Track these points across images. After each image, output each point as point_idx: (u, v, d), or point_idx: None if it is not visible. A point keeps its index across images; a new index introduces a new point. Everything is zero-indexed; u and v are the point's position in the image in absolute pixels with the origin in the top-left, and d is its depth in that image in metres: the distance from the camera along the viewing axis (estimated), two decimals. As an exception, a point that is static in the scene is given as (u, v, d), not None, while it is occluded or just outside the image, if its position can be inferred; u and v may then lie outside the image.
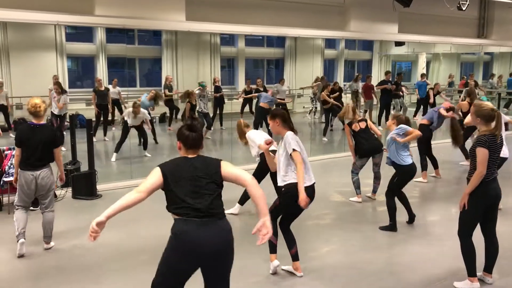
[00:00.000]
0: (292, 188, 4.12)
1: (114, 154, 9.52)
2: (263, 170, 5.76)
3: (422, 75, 15.16)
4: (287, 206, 4.25)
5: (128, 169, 8.63)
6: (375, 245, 5.28)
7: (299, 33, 11.94)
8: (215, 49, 15.26)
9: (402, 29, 13.13)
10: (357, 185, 6.85)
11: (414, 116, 14.02)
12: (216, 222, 2.84)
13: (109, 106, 11.54)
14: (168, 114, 13.00)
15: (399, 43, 15.80)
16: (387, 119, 13.41)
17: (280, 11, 11.36)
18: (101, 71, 13.89)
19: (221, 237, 2.83)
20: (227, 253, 2.88)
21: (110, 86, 12.68)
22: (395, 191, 5.70)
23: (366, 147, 6.66)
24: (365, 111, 14.17)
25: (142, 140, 10.01)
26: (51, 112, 10.14)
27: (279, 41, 16.84)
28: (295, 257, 4.38)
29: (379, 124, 13.39)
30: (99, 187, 7.28)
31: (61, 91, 9.96)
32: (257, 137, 5.84)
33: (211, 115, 12.33)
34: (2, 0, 7.67)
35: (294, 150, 4.11)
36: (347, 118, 6.83)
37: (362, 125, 6.72)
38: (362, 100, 14.12)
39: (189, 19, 9.51)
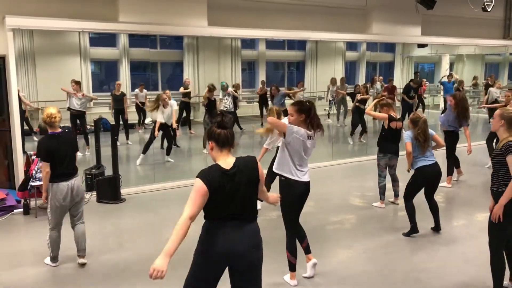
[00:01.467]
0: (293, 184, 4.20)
1: (141, 156, 9.52)
2: None
3: (449, 76, 14.99)
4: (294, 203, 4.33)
5: (151, 173, 8.73)
6: (398, 251, 5.23)
7: (320, 37, 11.87)
8: (236, 52, 15.34)
9: (425, 31, 12.95)
10: (382, 191, 6.79)
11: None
12: (249, 225, 2.91)
13: (126, 111, 11.57)
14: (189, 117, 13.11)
15: (421, 45, 15.59)
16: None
17: (301, 15, 11.33)
18: (124, 75, 14.08)
19: (253, 239, 2.90)
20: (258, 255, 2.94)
21: (137, 91, 12.87)
22: (409, 194, 5.64)
23: (392, 146, 6.65)
24: None
25: (166, 143, 9.99)
26: (71, 114, 10.33)
27: (300, 43, 16.81)
28: (307, 250, 4.47)
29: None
30: (123, 191, 7.38)
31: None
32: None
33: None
34: (29, 9, 7.84)
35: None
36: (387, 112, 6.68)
37: (399, 125, 6.67)
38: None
39: (211, 24, 9.55)
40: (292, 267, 4.37)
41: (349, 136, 12.07)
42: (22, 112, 10.83)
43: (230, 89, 11.86)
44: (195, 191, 2.75)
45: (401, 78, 18.85)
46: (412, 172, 5.68)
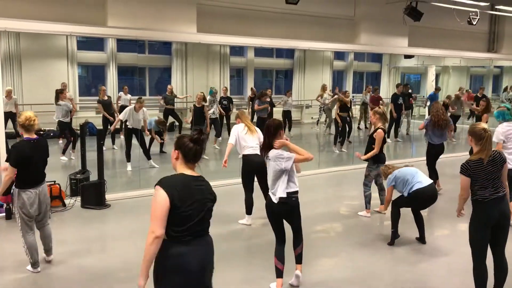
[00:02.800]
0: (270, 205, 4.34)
1: (128, 164, 9.48)
2: None
3: (437, 88, 15.18)
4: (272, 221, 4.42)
5: (136, 178, 8.67)
6: (383, 261, 5.25)
7: (308, 46, 11.97)
8: (225, 59, 15.38)
9: (412, 42, 13.14)
10: (368, 200, 6.81)
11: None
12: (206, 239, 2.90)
13: (115, 114, 11.34)
14: (177, 123, 13.03)
15: (408, 56, 15.78)
16: (395, 132, 13.56)
17: (289, 24, 11.42)
18: (112, 79, 14.02)
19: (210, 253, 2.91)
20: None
21: (121, 93, 12.76)
22: (399, 204, 5.68)
23: (384, 156, 6.73)
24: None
25: (143, 149, 9.83)
26: (59, 121, 10.16)
27: (288, 52, 16.92)
28: (297, 259, 4.49)
29: (388, 137, 13.40)
30: (108, 196, 7.31)
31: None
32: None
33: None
34: (16, 12, 7.78)
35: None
36: (380, 123, 6.65)
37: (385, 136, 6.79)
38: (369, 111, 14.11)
39: (200, 30, 9.58)
40: (279, 273, 4.34)
41: (333, 145, 12.13)
42: (12, 115, 10.75)
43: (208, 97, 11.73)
44: (157, 203, 2.73)
45: (387, 88, 19.03)
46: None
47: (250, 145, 6.18)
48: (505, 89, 19.71)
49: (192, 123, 10.55)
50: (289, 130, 13.76)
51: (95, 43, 14.38)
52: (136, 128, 9.36)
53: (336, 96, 12.56)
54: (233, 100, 13.72)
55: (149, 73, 15.61)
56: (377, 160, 6.65)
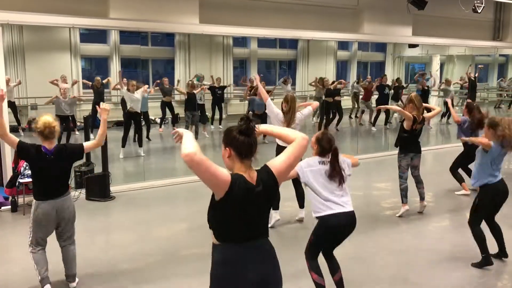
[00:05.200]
0: (326, 220, 3.76)
1: (122, 149, 9.74)
2: None
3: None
4: (323, 238, 3.89)
5: (141, 170, 8.69)
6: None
7: (312, 36, 11.90)
8: (228, 50, 15.32)
9: (416, 31, 13.03)
10: (405, 193, 6.24)
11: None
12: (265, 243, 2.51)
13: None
14: (179, 115, 13.06)
15: (412, 45, 15.68)
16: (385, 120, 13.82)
17: (293, 14, 11.34)
18: (115, 72, 14.00)
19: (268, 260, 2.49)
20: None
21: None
22: (476, 219, 4.78)
23: (414, 145, 6.25)
24: (362, 112, 14.32)
25: (136, 135, 10.15)
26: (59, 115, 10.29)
27: (291, 42, 16.82)
28: (339, 285, 3.95)
29: (374, 125, 14.11)
30: (112, 188, 7.34)
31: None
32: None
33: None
34: (18, 4, 7.76)
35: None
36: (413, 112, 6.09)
37: (419, 127, 6.20)
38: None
39: (202, 21, 9.53)
40: None
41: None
42: (12, 106, 10.78)
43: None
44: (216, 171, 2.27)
45: (391, 77, 18.93)
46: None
47: None
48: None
49: (185, 109, 11.17)
50: None
51: (98, 36, 14.35)
52: (136, 111, 9.65)
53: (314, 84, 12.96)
54: (236, 91, 13.76)
55: (152, 65, 15.58)
56: (404, 149, 6.21)
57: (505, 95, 20.14)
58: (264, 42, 16.34)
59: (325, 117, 12.84)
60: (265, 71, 18.03)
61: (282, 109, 5.83)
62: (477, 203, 4.73)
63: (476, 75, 15.75)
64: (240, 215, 2.35)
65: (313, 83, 14.11)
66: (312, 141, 3.83)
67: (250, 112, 11.06)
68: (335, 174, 3.78)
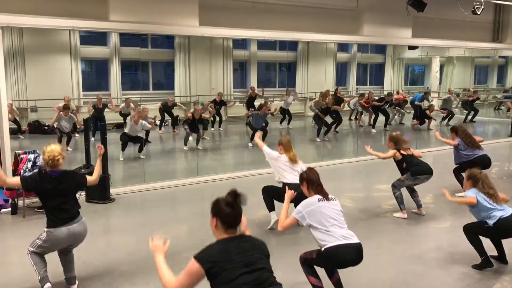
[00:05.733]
0: (331, 252, 3.74)
1: (121, 153, 9.85)
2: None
3: (426, 93, 15.47)
4: (324, 263, 3.90)
5: (140, 173, 8.69)
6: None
7: (311, 38, 11.92)
8: (228, 53, 15.33)
9: (415, 33, 13.05)
10: (401, 200, 6.35)
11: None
12: None
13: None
14: (180, 117, 13.10)
15: (412, 47, 15.74)
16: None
17: (292, 15, 11.36)
18: (115, 74, 14.02)
19: None
20: None
21: (123, 105, 12.37)
22: (472, 230, 4.82)
23: (424, 167, 6.36)
24: (361, 113, 14.87)
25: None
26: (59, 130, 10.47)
27: (291, 44, 16.85)
28: (337, 286, 3.98)
29: (373, 127, 14.28)
30: (112, 191, 7.33)
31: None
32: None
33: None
34: (18, 7, 7.77)
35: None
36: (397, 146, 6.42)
37: (410, 152, 6.43)
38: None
39: (202, 24, 9.53)
40: None
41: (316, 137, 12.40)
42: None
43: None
44: (186, 274, 2.61)
45: (391, 80, 18.97)
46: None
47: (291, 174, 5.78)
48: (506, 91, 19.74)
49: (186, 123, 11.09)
50: (288, 123, 13.91)
51: (98, 38, 14.38)
52: (131, 135, 9.86)
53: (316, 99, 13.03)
54: (236, 94, 13.79)
55: (152, 67, 15.60)
56: (416, 173, 6.29)
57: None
58: (264, 44, 16.37)
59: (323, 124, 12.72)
60: (265, 73, 18.06)
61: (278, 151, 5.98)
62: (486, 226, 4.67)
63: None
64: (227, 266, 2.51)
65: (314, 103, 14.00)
66: (303, 185, 4.03)
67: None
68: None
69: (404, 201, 6.35)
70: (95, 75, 16.02)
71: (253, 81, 16.05)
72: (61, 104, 10.90)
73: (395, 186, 6.40)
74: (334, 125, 13.13)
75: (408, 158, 6.37)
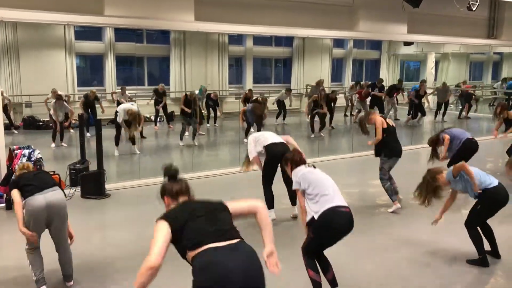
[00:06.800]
0: (325, 218, 3.78)
1: (116, 149, 9.78)
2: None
3: (422, 81, 15.35)
4: (322, 234, 3.86)
5: (136, 168, 8.68)
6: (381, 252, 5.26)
7: (307, 33, 11.93)
8: (223, 48, 15.29)
9: (411, 29, 13.07)
10: (391, 192, 6.38)
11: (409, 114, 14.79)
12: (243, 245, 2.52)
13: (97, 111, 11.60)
14: (175, 113, 13.08)
15: (407, 43, 15.73)
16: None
17: (288, 11, 11.35)
18: (110, 69, 13.96)
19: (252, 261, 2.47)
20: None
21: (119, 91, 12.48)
22: (474, 222, 4.78)
23: (399, 148, 6.46)
24: (359, 111, 14.44)
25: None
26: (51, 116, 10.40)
27: (287, 40, 16.82)
28: (332, 283, 3.95)
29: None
30: (108, 186, 7.32)
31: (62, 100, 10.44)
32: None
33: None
34: (12, 1, 7.72)
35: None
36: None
37: (391, 122, 6.52)
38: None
39: (198, 19, 9.52)
40: (318, 286, 3.90)
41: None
42: (4, 109, 10.72)
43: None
44: (156, 231, 2.66)
45: (386, 76, 18.99)
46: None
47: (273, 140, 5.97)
48: (504, 80, 19.68)
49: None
50: (283, 118, 13.89)
51: (93, 33, 14.30)
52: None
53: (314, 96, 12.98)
54: (232, 89, 13.75)
55: (147, 62, 15.55)
56: (389, 153, 6.38)
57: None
58: (259, 40, 16.33)
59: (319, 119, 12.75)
60: (261, 69, 18.04)
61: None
62: (479, 208, 4.68)
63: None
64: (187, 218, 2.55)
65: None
66: (287, 166, 4.25)
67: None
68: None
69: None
70: (90, 70, 15.95)
71: (248, 76, 16.02)
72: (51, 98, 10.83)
73: (382, 179, 6.45)
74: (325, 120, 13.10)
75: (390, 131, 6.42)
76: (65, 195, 4.33)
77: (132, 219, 6.25)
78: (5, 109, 11.37)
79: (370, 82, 14.96)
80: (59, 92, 10.89)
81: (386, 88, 14.71)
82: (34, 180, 4.15)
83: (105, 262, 4.87)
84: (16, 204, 4.01)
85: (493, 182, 4.64)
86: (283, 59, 17.77)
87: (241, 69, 16.70)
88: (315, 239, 3.87)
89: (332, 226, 3.77)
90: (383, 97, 14.45)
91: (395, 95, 14.86)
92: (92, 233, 5.78)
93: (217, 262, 2.35)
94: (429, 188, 4.78)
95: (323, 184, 3.91)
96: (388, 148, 6.40)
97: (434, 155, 7.18)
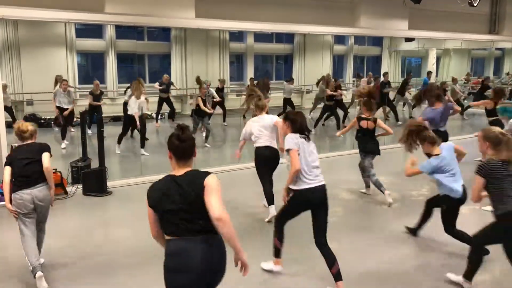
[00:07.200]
0: (301, 194, 4.11)
1: (117, 146, 9.73)
2: None
3: (428, 73, 15.16)
4: (296, 208, 4.26)
5: (137, 165, 8.69)
6: (384, 245, 5.27)
7: (308, 30, 11.90)
8: (224, 45, 15.28)
9: (412, 25, 13.03)
10: (379, 184, 6.61)
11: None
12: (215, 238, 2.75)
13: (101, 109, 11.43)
14: (177, 110, 13.07)
15: (409, 39, 15.69)
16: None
17: (289, 7, 11.32)
18: (111, 67, 13.96)
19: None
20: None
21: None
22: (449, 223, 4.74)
23: (370, 147, 6.71)
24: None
25: (141, 136, 9.95)
26: (58, 107, 10.22)
27: (288, 37, 16.81)
28: (337, 276, 4.01)
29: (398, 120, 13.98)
30: (109, 183, 7.33)
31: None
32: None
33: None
34: (13, -2, 7.72)
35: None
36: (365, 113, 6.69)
37: (371, 125, 6.65)
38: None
39: (198, 16, 9.50)
40: (278, 253, 4.36)
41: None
42: (9, 110, 10.69)
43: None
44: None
45: (388, 72, 18.95)
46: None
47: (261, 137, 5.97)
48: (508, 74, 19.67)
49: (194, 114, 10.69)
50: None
51: (93, 31, 14.30)
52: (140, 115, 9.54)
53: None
54: (233, 86, 13.73)
55: (148, 60, 15.55)
56: (364, 150, 6.73)
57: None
58: (260, 37, 16.31)
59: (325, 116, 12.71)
60: (262, 66, 18.02)
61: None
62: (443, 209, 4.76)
63: None
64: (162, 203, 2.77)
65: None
66: (283, 123, 4.32)
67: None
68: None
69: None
70: (91, 68, 15.96)
71: (249, 73, 16.01)
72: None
73: (366, 171, 6.72)
74: (325, 116, 13.10)
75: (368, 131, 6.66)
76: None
77: (134, 216, 6.26)
78: (11, 113, 11.32)
79: (379, 78, 14.46)
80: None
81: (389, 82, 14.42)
82: (24, 170, 4.35)
83: (108, 259, 4.88)
84: (5, 185, 4.33)
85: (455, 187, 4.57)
86: (284, 56, 17.76)
87: (242, 66, 16.69)
88: (288, 208, 4.27)
89: (306, 203, 4.13)
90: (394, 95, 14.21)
91: (407, 91, 14.62)
92: (94, 230, 5.80)
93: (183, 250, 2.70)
94: (412, 132, 4.74)
95: (308, 163, 4.10)
96: (362, 146, 6.76)
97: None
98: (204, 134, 10.73)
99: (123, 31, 14.26)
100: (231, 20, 10.24)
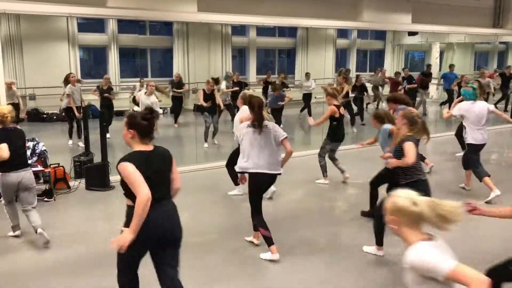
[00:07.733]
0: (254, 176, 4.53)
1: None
2: None
3: (451, 66, 14.50)
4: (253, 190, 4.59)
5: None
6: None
7: (311, 24, 11.84)
8: (227, 39, 15.24)
9: (415, 19, 12.96)
10: (324, 168, 7.19)
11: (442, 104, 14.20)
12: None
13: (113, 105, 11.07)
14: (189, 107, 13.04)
15: (412, 33, 15.63)
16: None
17: (291, 1, 11.27)
18: (113, 61, 13.95)
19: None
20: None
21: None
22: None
23: (343, 132, 7.18)
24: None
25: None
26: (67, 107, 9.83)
27: (291, 31, 16.75)
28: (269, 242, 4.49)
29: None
30: (112, 178, 7.33)
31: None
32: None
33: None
34: (15, -8, 7.70)
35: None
36: (335, 101, 6.96)
37: (342, 111, 7.05)
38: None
39: (200, 10, 9.47)
40: (270, 241, 4.44)
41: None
42: (16, 107, 10.60)
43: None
44: (132, 173, 2.97)
45: (391, 66, 18.89)
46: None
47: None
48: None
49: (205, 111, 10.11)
50: (310, 114, 13.16)
51: (95, 25, 14.28)
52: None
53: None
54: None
55: (150, 54, 15.52)
56: (334, 138, 7.06)
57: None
58: (263, 31, 16.26)
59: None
60: (264, 60, 17.98)
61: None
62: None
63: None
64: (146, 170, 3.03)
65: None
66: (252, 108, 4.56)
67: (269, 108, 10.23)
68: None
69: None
70: (93, 63, 15.95)
71: (252, 68, 15.97)
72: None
73: (320, 155, 7.17)
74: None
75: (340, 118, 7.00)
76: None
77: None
78: (17, 110, 11.15)
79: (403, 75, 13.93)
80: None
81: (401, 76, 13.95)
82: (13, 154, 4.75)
83: (110, 253, 4.87)
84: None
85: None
86: (287, 50, 17.71)
87: (245, 60, 16.66)
88: (251, 194, 4.57)
89: (256, 183, 4.53)
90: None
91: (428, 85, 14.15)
92: (97, 224, 5.80)
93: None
94: None
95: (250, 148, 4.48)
96: (333, 133, 7.07)
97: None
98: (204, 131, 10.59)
99: (125, 25, 14.23)
100: (233, 14, 10.21)
